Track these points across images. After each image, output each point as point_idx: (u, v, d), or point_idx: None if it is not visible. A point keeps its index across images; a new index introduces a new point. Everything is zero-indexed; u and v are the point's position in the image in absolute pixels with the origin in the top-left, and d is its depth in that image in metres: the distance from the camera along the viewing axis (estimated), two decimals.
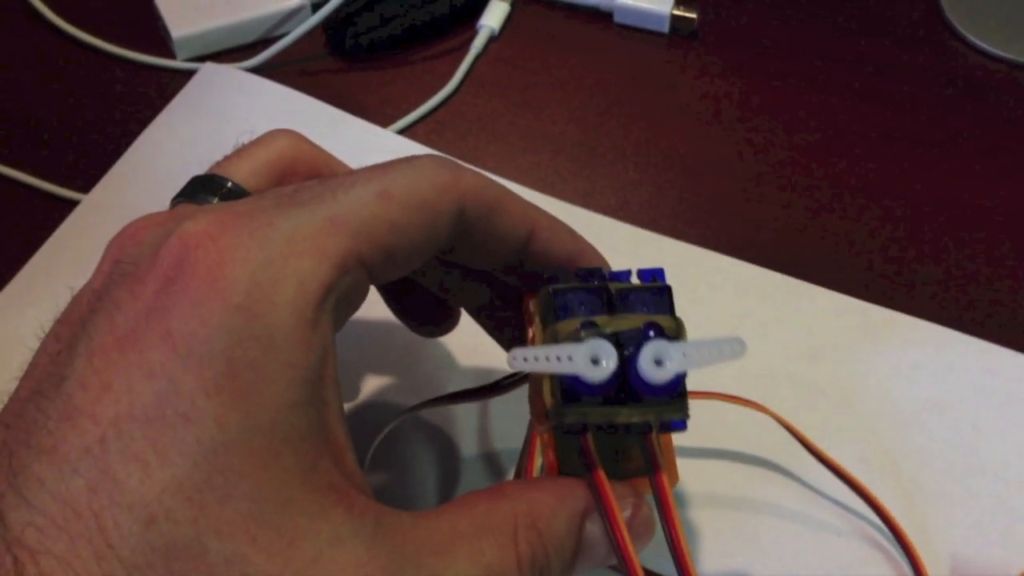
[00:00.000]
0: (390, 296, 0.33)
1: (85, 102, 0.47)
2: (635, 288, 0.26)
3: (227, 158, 0.29)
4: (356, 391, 0.37)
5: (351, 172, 0.25)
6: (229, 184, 0.28)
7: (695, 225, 0.43)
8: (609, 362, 0.23)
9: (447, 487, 0.35)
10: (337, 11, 0.48)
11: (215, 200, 0.27)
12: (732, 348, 0.23)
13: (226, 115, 0.44)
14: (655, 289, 0.26)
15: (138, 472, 0.20)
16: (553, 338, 0.24)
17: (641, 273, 0.27)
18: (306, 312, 0.22)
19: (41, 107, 0.47)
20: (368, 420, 0.36)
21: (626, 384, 0.24)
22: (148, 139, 0.44)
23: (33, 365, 0.23)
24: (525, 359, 0.23)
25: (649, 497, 0.26)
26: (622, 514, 0.25)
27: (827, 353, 0.38)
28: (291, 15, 0.50)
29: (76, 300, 0.24)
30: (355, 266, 0.23)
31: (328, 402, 0.23)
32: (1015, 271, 0.42)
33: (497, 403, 0.34)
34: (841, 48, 0.50)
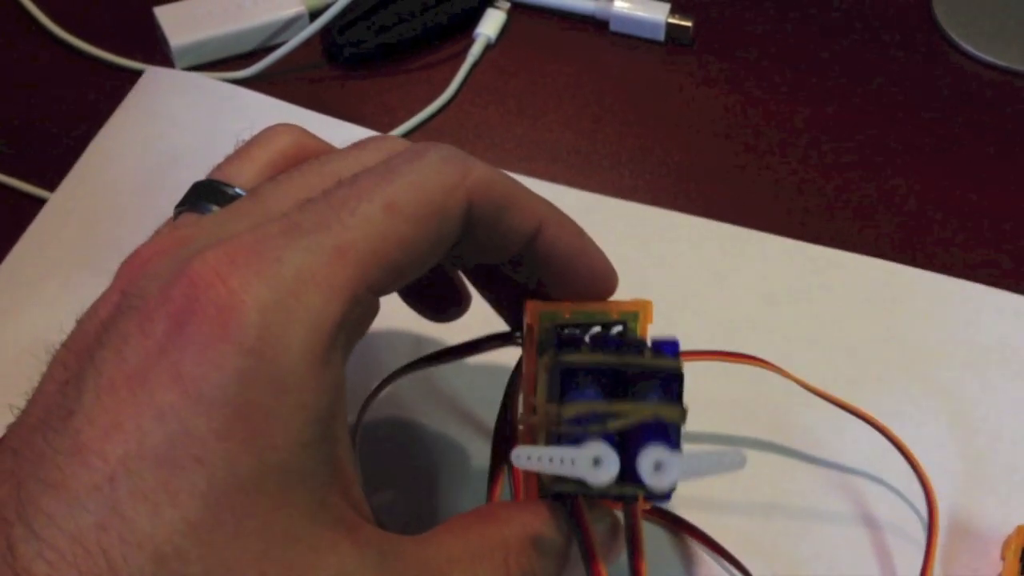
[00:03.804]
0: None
1: (78, 108, 0.47)
2: (646, 371, 0.25)
3: (228, 160, 0.28)
4: None
5: (353, 176, 0.24)
6: (231, 191, 0.27)
7: None
8: (610, 468, 0.23)
9: (435, 463, 0.35)
10: (334, 20, 0.48)
11: (217, 209, 0.27)
12: (732, 461, 0.24)
13: (172, 116, 0.45)
14: (666, 375, 0.25)
15: (148, 511, 0.20)
16: (557, 419, 0.25)
17: (655, 345, 0.26)
18: (317, 352, 0.22)
19: (36, 113, 0.47)
20: (351, 391, 0.36)
21: (622, 466, 0.24)
22: (101, 142, 0.45)
23: (40, 392, 0.23)
24: (528, 458, 0.24)
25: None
26: (596, 529, 0.25)
27: (782, 295, 0.40)
28: (289, 24, 0.50)
29: (82, 327, 0.24)
30: (365, 294, 0.23)
31: (338, 437, 0.23)
32: (1006, 276, 0.42)
33: (481, 366, 0.34)
34: (835, 56, 0.51)
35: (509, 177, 0.26)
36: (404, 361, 0.33)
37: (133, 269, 0.24)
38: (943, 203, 0.45)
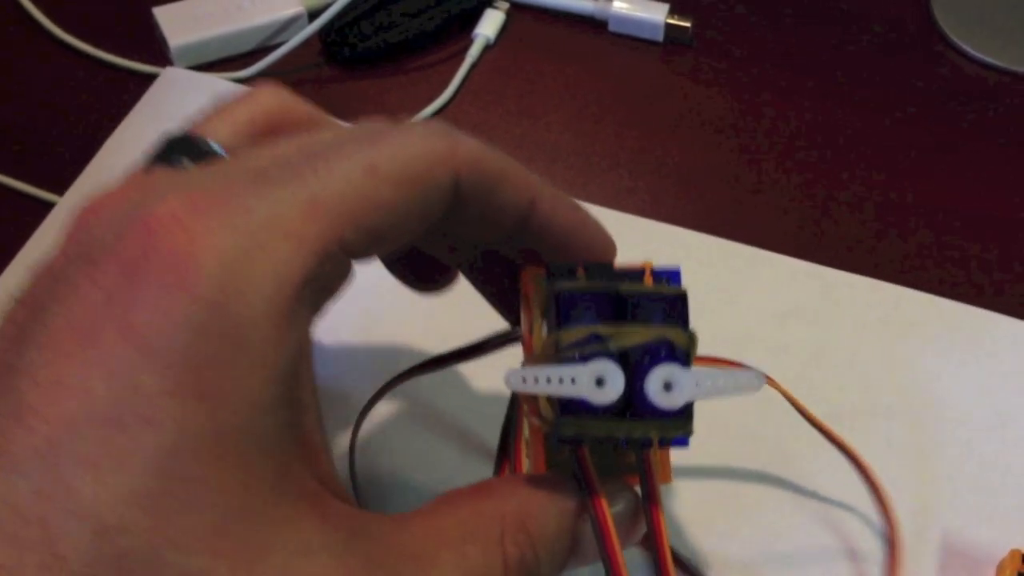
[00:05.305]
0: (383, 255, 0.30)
1: (80, 109, 0.47)
2: (647, 294, 0.24)
3: (207, 116, 0.27)
4: (333, 366, 0.37)
5: (336, 140, 0.23)
6: (207, 147, 0.25)
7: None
8: (615, 385, 0.22)
9: (436, 465, 0.35)
10: (333, 20, 0.49)
11: (191, 165, 0.25)
12: (749, 381, 0.22)
13: (186, 118, 0.45)
14: (669, 297, 0.24)
15: (91, 478, 0.19)
16: (555, 347, 0.23)
17: (655, 274, 0.25)
18: (281, 306, 0.20)
19: (37, 114, 0.47)
20: (348, 396, 0.35)
21: (630, 397, 0.23)
22: (116, 142, 0.44)
23: None
24: (524, 380, 0.22)
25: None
26: (612, 509, 0.23)
27: (792, 316, 0.40)
28: (288, 24, 0.50)
29: (35, 279, 0.22)
30: (337, 252, 0.21)
31: (303, 402, 0.22)
32: (1004, 278, 0.42)
33: (486, 367, 0.34)
34: (833, 57, 0.51)
35: (500, 153, 0.25)
36: (406, 366, 0.32)
37: (87, 218, 0.22)
38: (942, 203, 0.45)
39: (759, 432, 0.36)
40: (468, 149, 0.24)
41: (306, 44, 0.48)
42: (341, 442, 0.34)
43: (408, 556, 0.22)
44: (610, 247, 0.27)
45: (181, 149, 0.26)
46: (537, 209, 0.25)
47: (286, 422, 0.21)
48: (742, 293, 0.40)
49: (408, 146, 0.23)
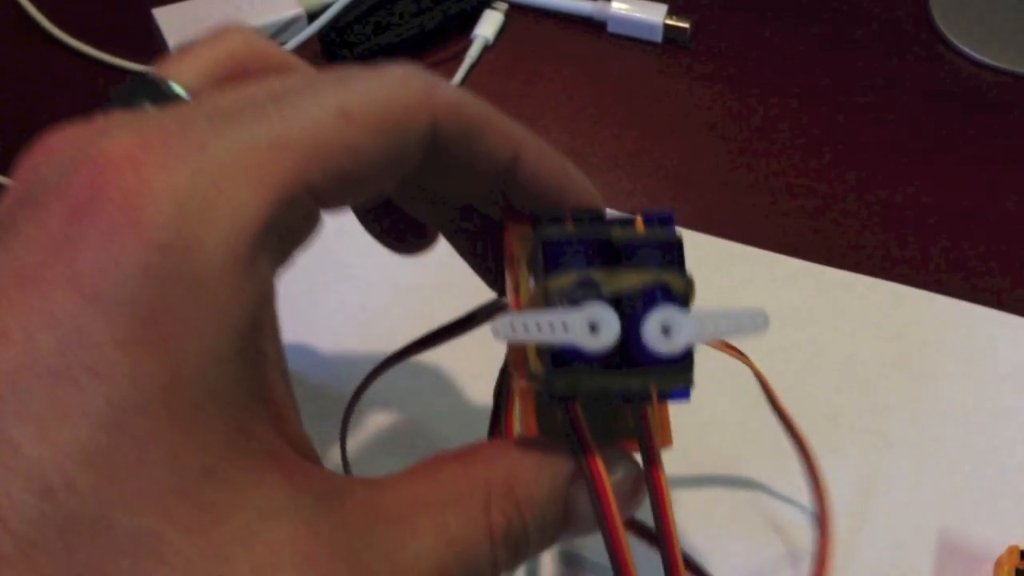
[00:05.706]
0: (358, 210, 0.29)
1: (79, 110, 0.47)
2: (640, 239, 0.22)
3: (170, 57, 0.25)
4: (322, 356, 0.37)
5: (307, 83, 0.22)
6: (169, 90, 0.24)
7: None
8: (610, 330, 0.21)
9: (430, 450, 0.34)
10: (333, 22, 0.49)
11: (152, 108, 0.24)
12: (753, 320, 0.21)
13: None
14: (664, 243, 0.22)
15: (36, 434, 0.17)
16: (543, 295, 0.21)
17: (647, 218, 0.23)
18: (240, 251, 0.19)
19: (36, 115, 0.47)
20: (337, 386, 0.35)
21: (625, 347, 0.21)
22: None
23: None
24: (513, 328, 0.20)
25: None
26: (611, 477, 0.22)
27: (791, 315, 0.40)
28: (287, 26, 0.50)
29: None
30: (303, 196, 0.20)
31: (266, 354, 0.20)
32: (1001, 278, 0.42)
33: (478, 355, 0.33)
34: (832, 58, 0.51)
35: (483, 102, 0.24)
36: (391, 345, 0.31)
37: (35, 159, 0.21)
38: (941, 202, 0.45)
39: (731, 425, 0.36)
40: (447, 94, 0.23)
41: (305, 45, 0.49)
42: (332, 432, 0.34)
43: (383, 521, 0.20)
44: (597, 201, 0.26)
45: (143, 92, 0.24)
46: (522, 160, 0.24)
47: (247, 376, 0.19)
48: (741, 293, 0.40)
49: (383, 88, 0.22)
